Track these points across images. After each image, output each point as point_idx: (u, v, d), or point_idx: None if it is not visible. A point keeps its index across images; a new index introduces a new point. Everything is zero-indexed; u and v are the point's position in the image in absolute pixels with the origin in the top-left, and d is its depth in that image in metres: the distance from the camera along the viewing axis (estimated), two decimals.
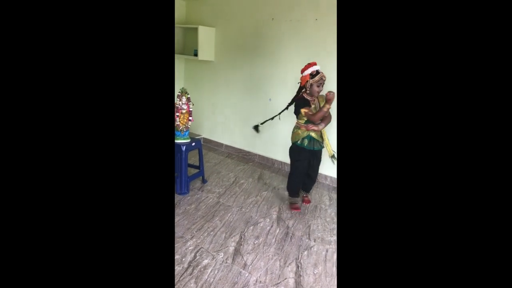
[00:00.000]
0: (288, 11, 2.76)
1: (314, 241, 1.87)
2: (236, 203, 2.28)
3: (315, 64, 2.03)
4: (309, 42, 2.68)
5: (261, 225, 2.01)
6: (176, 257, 1.61)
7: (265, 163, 3.20)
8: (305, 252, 1.76)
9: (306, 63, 2.12)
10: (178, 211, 2.10)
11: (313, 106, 2.07)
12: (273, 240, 1.85)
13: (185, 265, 1.55)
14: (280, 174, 2.96)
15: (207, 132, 3.70)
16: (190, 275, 1.49)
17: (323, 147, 2.15)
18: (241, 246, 1.76)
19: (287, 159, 3.06)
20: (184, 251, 1.67)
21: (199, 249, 1.70)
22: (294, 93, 2.91)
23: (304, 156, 2.12)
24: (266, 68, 3.02)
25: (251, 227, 1.97)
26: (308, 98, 2.08)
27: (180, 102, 2.27)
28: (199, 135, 3.72)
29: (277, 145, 3.12)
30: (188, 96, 2.31)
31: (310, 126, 2.05)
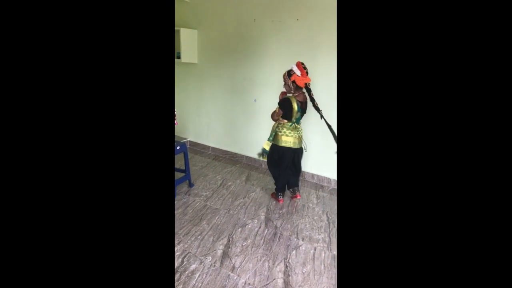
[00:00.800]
0: (270, 12, 2.76)
1: (302, 240, 1.88)
2: (224, 205, 2.27)
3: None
4: (291, 42, 2.70)
5: (249, 226, 2.00)
6: None
7: (253, 164, 3.19)
8: (294, 252, 1.76)
9: (293, 63, 2.15)
10: None
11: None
12: (262, 241, 1.84)
13: None
14: (267, 174, 2.96)
15: (192, 135, 3.67)
16: (178, 281, 1.47)
17: None
18: (229, 249, 1.75)
19: None
20: None
21: (187, 254, 1.67)
22: (275, 93, 2.94)
23: None
24: (250, 69, 3.02)
25: (239, 229, 1.96)
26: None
27: None
28: (185, 138, 3.68)
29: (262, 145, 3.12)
30: None
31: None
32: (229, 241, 1.83)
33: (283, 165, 2.27)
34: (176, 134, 3.56)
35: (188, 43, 3.20)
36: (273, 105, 2.91)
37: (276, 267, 1.62)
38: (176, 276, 1.49)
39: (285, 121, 2.20)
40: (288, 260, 1.68)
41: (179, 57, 3.22)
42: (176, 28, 3.15)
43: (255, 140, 3.14)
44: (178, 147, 2.35)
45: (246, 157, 3.25)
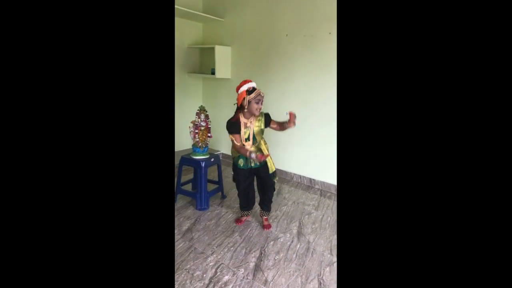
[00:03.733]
0: (302, 27, 2.81)
1: (337, 257, 1.82)
2: (256, 218, 2.28)
3: (250, 81, 1.90)
4: (322, 56, 2.71)
5: (281, 240, 1.99)
6: (197, 273, 1.62)
7: (284, 177, 3.18)
8: (327, 268, 1.71)
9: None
10: (198, 226, 2.12)
11: (244, 130, 1.95)
12: (294, 256, 1.82)
13: (206, 281, 1.56)
14: (299, 188, 2.93)
15: (225, 147, 3.76)
16: None
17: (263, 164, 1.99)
18: (262, 262, 1.74)
19: (304, 173, 3.04)
20: (205, 267, 1.67)
21: (220, 265, 1.70)
22: (307, 107, 2.92)
23: (242, 176, 2.04)
24: (281, 83, 3.06)
25: (271, 243, 1.95)
26: (245, 120, 1.96)
27: (199, 120, 2.34)
28: (218, 151, 3.78)
29: (293, 159, 3.11)
30: (207, 113, 2.38)
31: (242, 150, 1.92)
32: (261, 254, 1.82)
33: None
34: (210, 146, 3.68)
35: (222, 59, 3.34)
36: (304, 119, 2.91)
37: (310, 283, 1.58)
38: (210, 287, 1.52)
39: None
40: (322, 277, 1.63)
41: (213, 73, 3.37)
42: (211, 46, 3.32)
43: (286, 154, 3.15)
44: (212, 159, 2.43)
45: (277, 170, 3.25)
